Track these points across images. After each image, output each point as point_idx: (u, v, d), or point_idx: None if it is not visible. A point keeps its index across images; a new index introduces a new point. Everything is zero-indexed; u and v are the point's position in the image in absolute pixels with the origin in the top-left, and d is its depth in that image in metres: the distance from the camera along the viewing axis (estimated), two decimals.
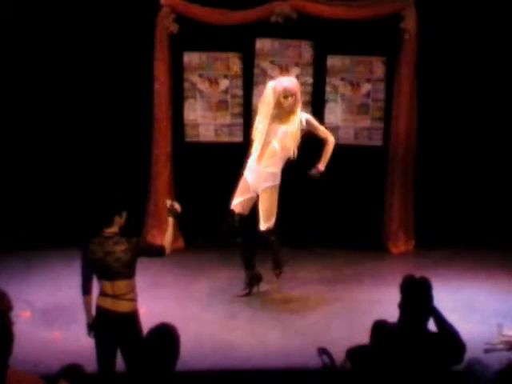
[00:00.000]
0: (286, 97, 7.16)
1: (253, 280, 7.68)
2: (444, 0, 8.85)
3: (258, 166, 7.31)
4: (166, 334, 4.09)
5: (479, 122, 9.26)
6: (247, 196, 7.43)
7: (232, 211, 7.44)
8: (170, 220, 5.72)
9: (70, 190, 9.12)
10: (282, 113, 7.23)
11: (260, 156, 7.30)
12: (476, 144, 9.32)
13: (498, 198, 9.39)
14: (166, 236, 5.62)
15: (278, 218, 9.12)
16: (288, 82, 7.29)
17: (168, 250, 5.56)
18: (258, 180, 7.32)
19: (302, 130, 7.24)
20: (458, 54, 9.07)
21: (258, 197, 7.38)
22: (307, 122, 7.29)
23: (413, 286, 4.51)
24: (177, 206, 5.78)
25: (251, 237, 7.50)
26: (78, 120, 9.09)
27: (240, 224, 7.43)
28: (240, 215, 7.43)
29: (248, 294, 7.63)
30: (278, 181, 7.33)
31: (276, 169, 7.30)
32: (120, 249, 5.30)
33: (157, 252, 5.55)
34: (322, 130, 7.42)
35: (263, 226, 7.34)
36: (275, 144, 7.25)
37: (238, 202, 7.44)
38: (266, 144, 7.26)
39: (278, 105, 7.20)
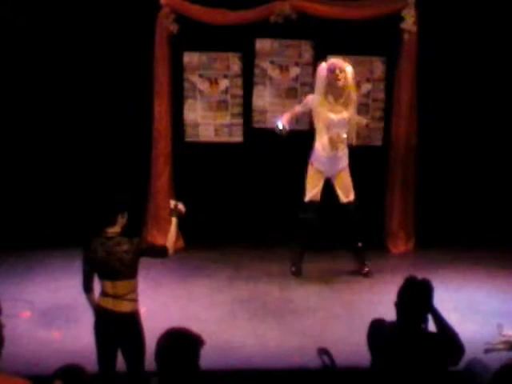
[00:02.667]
0: (333, 71, 7.71)
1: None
2: (444, 0, 8.84)
3: (331, 154, 7.93)
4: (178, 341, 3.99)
5: (479, 121, 9.25)
6: (320, 185, 8.02)
7: (309, 203, 8.02)
8: (174, 220, 5.65)
9: (70, 189, 9.11)
10: (336, 97, 7.79)
11: (331, 145, 7.89)
12: (476, 144, 9.31)
13: (498, 197, 9.38)
14: (169, 237, 5.58)
15: (279, 218, 9.18)
16: (338, 60, 7.89)
17: (171, 250, 5.52)
18: (334, 165, 7.97)
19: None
20: (458, 53, 9.07)
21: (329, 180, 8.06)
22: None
23: (414, 287, 4.51)
24: (181, 207, 5.71)
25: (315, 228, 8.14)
26: (78, 120, 9.09)
27: (316, 211, 8.04)
28: (315, 203, 8.03)
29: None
30: (348, 159, 8.06)
31: (346, 149, 8.02)
32: (122, 249, 5.29)
33: (159, 253, 5.53)
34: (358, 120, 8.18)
35: (345, 199, 8.06)
36: (340, 132, 7.87)
37: (313, 194, 8.02)
38: (330, 133, 7.87)
39: (331, 85, 7.76)
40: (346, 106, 7.90)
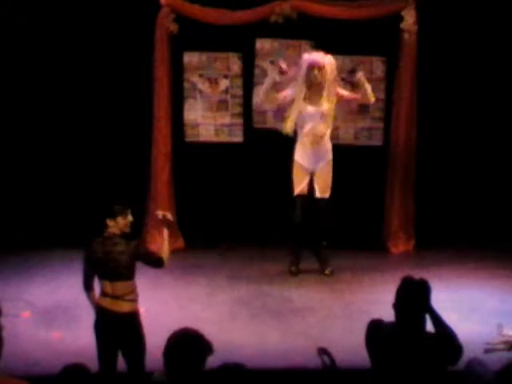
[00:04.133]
0: (311, 69, 7.80)
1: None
2: (444, 0, 8.84)
3: (311, 149, 7.97)
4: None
5: (479, 121, 9.25)
6: (306, 179, 8.03)
7: (297, 197, 8.04)
8: (165, 231, 5.56)
9: (70, 190, 9.11)
10: (315, 91, 7.86)
11: (309, 139, 7.93)
12: (476, 144, 9.31)
13: (498, 197, 9.38)
14: (163, 247, 5.49)
15: (277, 218, 9.18)
16: (318, 55, 7.92)
17: (166, 261, 5.45)
18: (315, 159, 8.00)
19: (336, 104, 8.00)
20: (458, 53, 9.07)
21: (312, 174, 8.06)
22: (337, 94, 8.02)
23: (411, 287, 4.50)
24: (169, 216, 5.63)
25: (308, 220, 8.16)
26: (78, 120, 9.09)
27: (303, 206, 8.05)
28: (302, 196, 8.04)
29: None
30: (331, 155, 8.04)
31: (328, 144, 8.03)
32: (118, 250, 5.29)
33: (155, 262, 5.45)
34: (354, 96, 8.24)
35: (319, 194, 8.04)
36: (318, 126, 7.90)
37: (300, 188, 8.02)
38: (307, 127, 7.91)
39: (309, 80, 7.84)
40: (327, 99, 7.92)
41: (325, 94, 7.90)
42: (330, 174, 8.06)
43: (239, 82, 9.16)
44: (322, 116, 7.93)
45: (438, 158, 9.27)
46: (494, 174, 9.37)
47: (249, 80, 9.16)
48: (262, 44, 9.10)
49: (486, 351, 6.09)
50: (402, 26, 8.78)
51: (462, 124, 9.24)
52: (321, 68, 7.82)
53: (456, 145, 9.29)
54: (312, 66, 7.83)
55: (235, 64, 9.13)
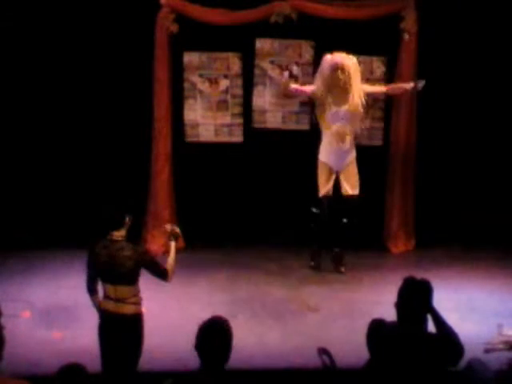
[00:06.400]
0: (335, 71, 7.87)
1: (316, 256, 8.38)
2: (444, 0, 8.85)
3: (337, 147, 8.04)
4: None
5: (479, 121, 9.26)
6: (331, 179, 8.12)
7: (323, 198, 8.11)
8: (172, 244, 5.56)
9: (70, 190, 9.11)
10: (339, 92, 7.93)
11: (335, 139, 8.02)
12: (476, 143, 9.32)
13: (498, 197, 9.39)
14: (169, 260, 5.47)
15: (277, 218, 9.18)
16: (340, 57, 7.98)
17: (171, 275, 5.43)
18: (341, 158, 8.09)
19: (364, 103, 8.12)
20: (458, 53, 9.07)
21: (337, 173, 8.15)
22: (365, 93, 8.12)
23: (413, 287, 4.50)
24: (177, 230, 5.61)
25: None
26: (78, 120, 9.09)
27: (329, 206, 8.15)
28: (328, 197, 8.13)
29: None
30: (355, 153, 8.16)
31: (352, 143, 8.15)
32: (124, 255, 5.25)
33: (160, 274, 5.42)
34: (379, 89, 8.48)
35: (350, 192, 8.12)
36: (345, 125, 8.00)
37: (326, 189, 8.10)
38: (335, 127, 7.99)
39: (333, 82, 7.90)
40: (354, 99, 7.98)
41: (351, 94, 7.96)
42: (356, 172, 8.15)
43: (239, 81, 9.16)
44: (349, 116, 8.00)
45: (437, 158, 9.28)
46: (493, 174, 9.37)
47: (249, 80, 9.15)
48: (262, 44, 9.09)
49: (486, 351, 6.09)
50: (402, 26, 8.79)
51: (461, 124, 9.24)
52: (344, 69, 7.89)
53: (456, 144, 9.30)
54: (336, 69, 7.89)
55: (235, 64, 9.12)
